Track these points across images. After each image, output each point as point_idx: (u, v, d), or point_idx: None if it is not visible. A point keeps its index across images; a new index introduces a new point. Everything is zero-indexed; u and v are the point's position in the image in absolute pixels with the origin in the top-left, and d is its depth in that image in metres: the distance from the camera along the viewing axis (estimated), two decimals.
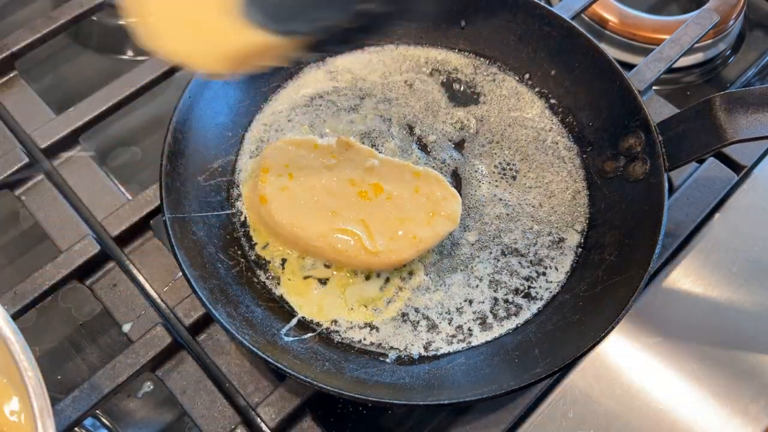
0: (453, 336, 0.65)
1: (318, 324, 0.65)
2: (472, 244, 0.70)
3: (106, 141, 0.85)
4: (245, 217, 0.70)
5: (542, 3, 0.77)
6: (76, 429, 0.61)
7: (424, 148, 0.76)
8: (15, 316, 0.63)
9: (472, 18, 0.81)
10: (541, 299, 0.67)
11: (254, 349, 0.56)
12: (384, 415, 0.69)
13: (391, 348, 0.64)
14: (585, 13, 0.93)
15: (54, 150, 0.74)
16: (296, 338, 0.63)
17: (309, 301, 0.66)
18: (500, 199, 0.72)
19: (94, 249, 0.67)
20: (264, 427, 0.61)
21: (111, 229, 0.68)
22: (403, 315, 0.66)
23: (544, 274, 0.68)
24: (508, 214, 0.72)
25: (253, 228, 0.70)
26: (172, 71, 0.79)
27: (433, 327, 0.65)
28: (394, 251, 0.64)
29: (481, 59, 0.82)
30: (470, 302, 0.67)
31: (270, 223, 0.66)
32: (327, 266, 0.67)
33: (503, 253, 0.69)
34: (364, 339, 0.64)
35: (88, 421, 0.66)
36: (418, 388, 0.60)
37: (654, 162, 0.67)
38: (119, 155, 0.85)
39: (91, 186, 0.73)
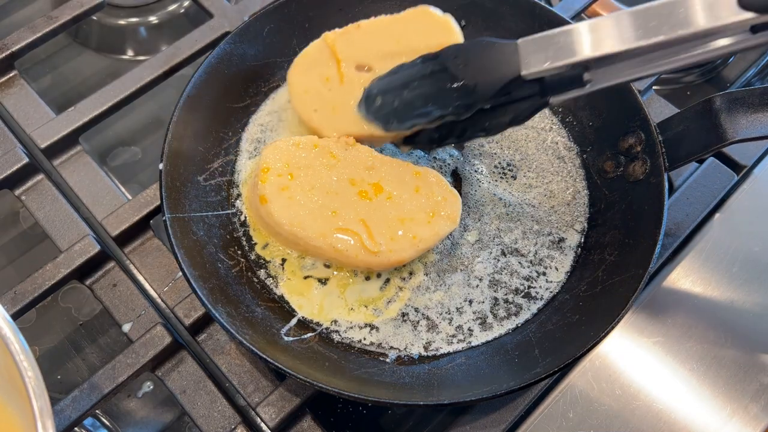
0: (453, 336, 0.65)
1: (318, 324, 0.65)
2: (472, 244, 0.70)
3: (106, 141, 0.86)
4: (245, 217, 0.70)
5: (542, 3, 0.77)
6: (76, 429, 0.61)
7: None
8: (15, 316, 0.63)
9: (472, 18, 0.81)
10: (541, 299, 0.67)
11: (254, 349, 0.56)
12: (384, 415, 0.69)
13: (391, 348, 0.64)
14: (585, 13, 0.93)
15: (54, 150, 0.74)
16: (296, 338, 0.63)
17: (309, 301, 0.66)
18: (500, 199, 0.72)
19: (94, 249, 0.67)
20: (264, 427, 0.61)
21: (111, 229, 0.68)
22: (403, 315, 0.66)
23: (544, 273, 0.68)
24: (508, 214, 0.72)
25: (253, 228, 0.70)
26: (172, 71, 0.79)
27: (433, 327, 0.65)
28: (394, 251, 0.64)
29: None
30: (470, 302, 0.67)
31: (270, 223, 0.66)
32: (327, 266, 0.67)
33: (503, 253, 0.69)
34: (364, 339, 0.64)
35: (88, 421, 0.66)
36: (418, 388, 0.60)
37: (654, 162, 0.67)
38: (119, 155, 0.85)
39: (91, 186, 0.73)
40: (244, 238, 0.69)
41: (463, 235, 0.70)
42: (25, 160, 0.72)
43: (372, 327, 0.65)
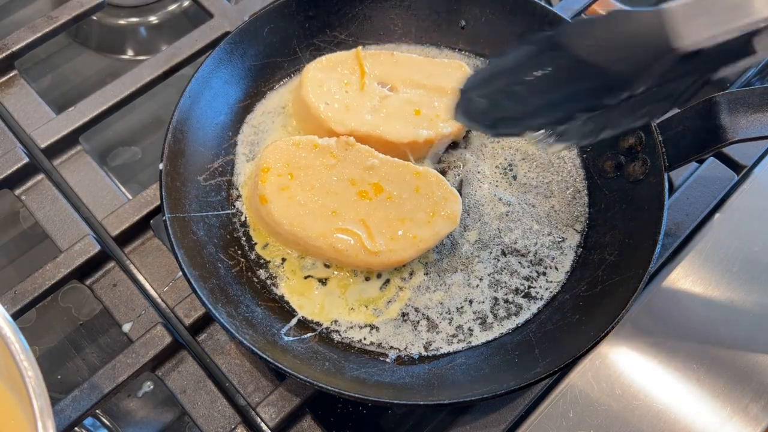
0: (453, 336, 0.65)
1: (318, 324, 0.65)
2: (472, 244, 0.70)
3: (106, 141, 0.86)
4: (245, 217, 0.70)
5: (542, 3, 0.77)
6: (76, 429, 0.61)
7: None
8: (15, 316, 0.63)
9: (472, 18, 0.81)
10: (541, 299, 0.67)
11: (254, 348, 0.56)
12: (384, 415, 0.69)
13: (391, 348, 0.64)
14: (585, 13, 0.93)
15: (54, 150, 0.74)
16: (296, 338, 0.63)
17: (309, 301, 0.66)
18: (500, 199, 0.72)
19: (94, 249, 0.67)
20: (264, 427, 0.61)
21: (111, 229, 0.68)
22: (403, 315, 0.66)
23: (544, 273, 0.68)
24: (508, 214, 0.72)
25: (253, 228, 0.70)
26: (172, 71, 0.79)
27: (433, 327, 0.65)
28: (394, 251, 0.64)
29: (481, 59, 0.82)
30: (470, 302, 0.67)
31: (270, 222, 0.66)
32: (327, 266, 0.67)
33: (503, 253, 0.69)
34: (364, 339, 0.64)
35: (88, 421, 0.66)
36: (418, 388, 0.60)
37: (654, 162, 0.67)
38: (119, 155, 0.85)
39: (91, 186, 0.73)
40: (244, 238, 0.69)
41: (463, 235, 0.70)
42: (25, 159, 0.72)
43: (372, 327, 0.65)
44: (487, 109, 0.54)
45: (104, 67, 0.92)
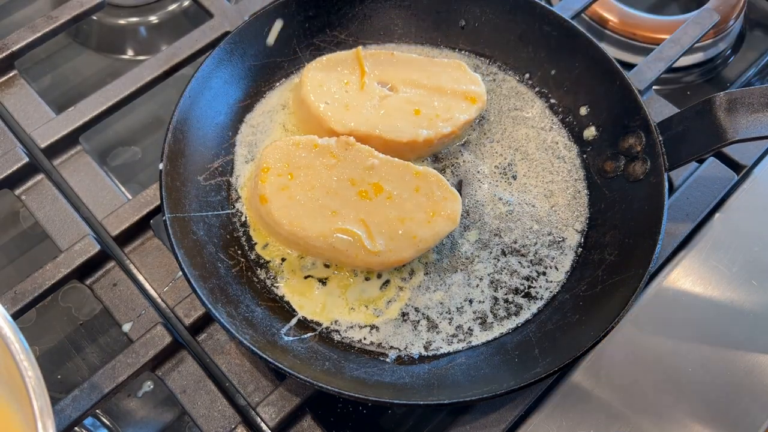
0: (453, 336, 0.65)
1: (318, 323, 0.65)
2: (472, 244, 0.70)
3: (106, 141, 0.86)
4: (245, 217, 0.70)
5: (542, 3, 0.77)
6: (76, 428, 0.61)
7: None
8: (15, 316, 0.63)
9: (472, 18, 0.81)
10: (541, 299, 0.67)
11: (254, 348, 0.56)
12: (384, 415, 0.69)
13: (391, 347, 0.64)
14: (585, 13, 0.93)
15: (54, 150, 0.74)
16: (296, 338, 0.63)
17: (310, 301, 0.66)
18: (500, 199, 0.72)
19: (94, 249, 0.67)
20: (264, 427, 0.61)
21: (111, 229, 0.68)
22: (404, 315, 0.66)
23: (544, 273, 0.68)
24: (508, 214, 0.72)
25: (253, 228, 0.70)
26: (172, 71, 0.79)
27: (433, 327, 0.65)
28: (394, 251, 0.64)
29: (481, 59, 0.82)
30: (470, 302, 0.67)
31: (270, 222, 0.66)
32: (327, 266, 0.67)
33: (503, 253, 0.69)
34: (364, 338, 0.64)
35: (88, 421, 0.66)
36: (418, 388, 0.60)
37: (654, 162, 0.67)
38: (119, 155, 0.85)
39: (91, 186, 0.73)
40: (244, 238, 0.69)
41: (463, 235, 0.70)
42: (25, 159, 0.72)
43: (372, 326, 0.65)
44: None
45: (104, 67, 0.92)
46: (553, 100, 0.79)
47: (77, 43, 0.93)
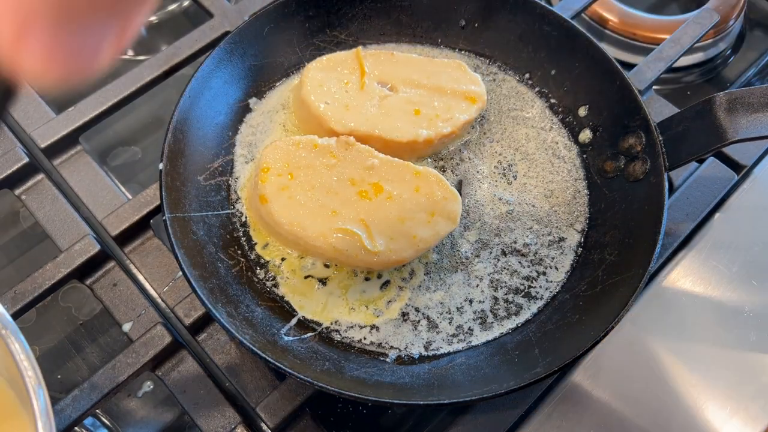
0: (453, 335, 0.65)
1: (318, 323, 0.65)
2: (472, 244, 0.70)
3: (106, 141, 0.86)
4: (245, 217, 0.70)
5: (542, 2, 0.77)
6: (76, 428, 0.61)
7: None
8: (15, 316, 0.63)
9: (472, 18, 0.81)
10: (541, 299, 0.67)
11: (254, 348, 0.56)
12: (384, 414, 0.69)
13: (391, 347, 0.64)
14: (585, 13, 0.93)
15: (54, 150, 0.74)
16: (296, 338, 0.63)
17: (310, 301, 0.66)
18: (500, 199, 0.72)
19: (94, 249, 0.67)
20: (264, 427, 0.61)
21: (111, 229, 0.68)
22: (404, 314, 0.66)
23: (544, 273, 0.68)
24: (508, 214, 0.72)
25: (253, 228, 0.70)
26: (172, 71, 0.79)
27: (433, 326, 0.65)
28: (394, 251, 0.64)
29: (481, 59, 0.82)
30: (470, 302, 0.67)
31: (270, 222, 0.66)
32: (327, 266, 0.67)
33: (503, 253, 0.69)
34: (364, 338, 0.64)
35: (88, 421, 0.66)
36: (418, 388, 0.60)
37: (654, 162, 0.67)
38: (119, 155, 0.85)
39: (91, 186, 0.73)
40: (244, 238, 0.69)
41: (463, 234, 0.70)
42: (25, 159, 0.72)
43: (372, 326, 0.65)
44: None
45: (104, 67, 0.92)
46: (553, 100, 0.79)
47: None
